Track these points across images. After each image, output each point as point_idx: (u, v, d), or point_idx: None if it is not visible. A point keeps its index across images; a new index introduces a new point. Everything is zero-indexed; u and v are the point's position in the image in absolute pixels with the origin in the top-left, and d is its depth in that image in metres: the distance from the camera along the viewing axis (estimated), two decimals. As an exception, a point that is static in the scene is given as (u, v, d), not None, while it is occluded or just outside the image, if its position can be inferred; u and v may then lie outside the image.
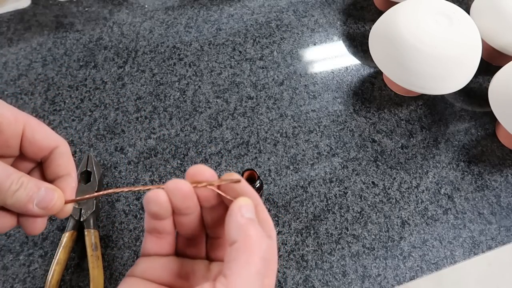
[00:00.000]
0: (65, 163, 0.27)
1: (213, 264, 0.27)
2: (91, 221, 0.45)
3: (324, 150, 0.54)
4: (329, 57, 0.64)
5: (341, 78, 0.61)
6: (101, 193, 0.26)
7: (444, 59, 0.51)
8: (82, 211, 0.45)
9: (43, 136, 0.26)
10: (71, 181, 0.27)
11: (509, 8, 0.57)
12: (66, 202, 0.26)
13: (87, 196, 0.27)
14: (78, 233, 0.45)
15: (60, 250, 0.43)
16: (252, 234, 0.22)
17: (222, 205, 0.26)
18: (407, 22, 0.53)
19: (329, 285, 0.45)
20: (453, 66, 0.52)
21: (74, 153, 0.52)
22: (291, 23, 0.67)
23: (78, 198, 0.27)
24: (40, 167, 0.28)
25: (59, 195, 0.25)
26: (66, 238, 0.44)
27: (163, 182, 0.50)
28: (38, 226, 0.26)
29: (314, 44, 0.65)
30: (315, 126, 0.56)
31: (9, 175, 0.23)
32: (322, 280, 0.45)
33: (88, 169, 0.47)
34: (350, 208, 0.50)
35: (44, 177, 0.27)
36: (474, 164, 0.54)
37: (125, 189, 0.26)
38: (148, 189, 0.25)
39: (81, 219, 0.44)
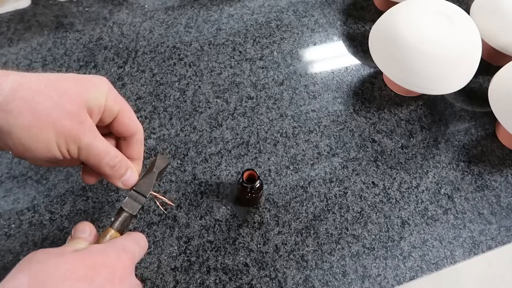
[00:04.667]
0: (139, 148, 0.36)
1: None
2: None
3: (324, 150, 0.54)
4: (329, 57, 0.64)
5: (341, 78, 0.61)
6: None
7: (444, 59, 0.51)
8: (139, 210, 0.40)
9: (131, 121, 0.34)
10: (139, 166, 0.37)
11: (509, 8, 0.57)
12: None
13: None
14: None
15: None
16: None
17: None
18: (407, 22, 0.53)
19: (329, 285, 0.45)
20: (453, 66, 0.52)
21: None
22: (291, 23, 0.67)
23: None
24: (118, 144, 0.37)
25: (136, 177, 0.36)
26: (113, 234, 0.37)
27: (163, 183, 0.50)
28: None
29: (314, 44, 0.65)
30: (315, 126, 0.56)
31: (108, 152, 0.32)
32: (322, 280, 0.45)
33: None
34: (350, 208, 0.50)
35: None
36: (474, 164, 0.54)
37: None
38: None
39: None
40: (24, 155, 0.30)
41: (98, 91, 0.32)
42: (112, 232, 0.34)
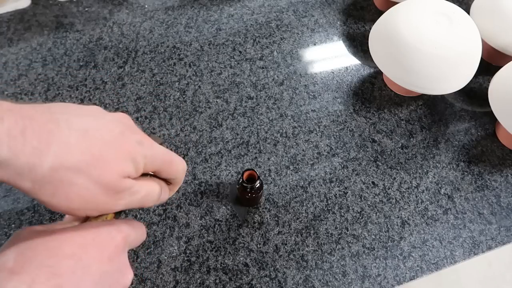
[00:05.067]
0: (175, 187, 0.37)
1: None
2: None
3: (324, 150, 0.54)
4: (329, 57, 0.64)
5: (341, 78, 0.61)
6: None
7: (444, 59, 0.51)
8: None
9: (169, 174, 0.35)
10: (172, 193, 0.38)
11: (509, 8, 0.57)
12: None
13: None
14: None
15: None
16: None
17: None
18: (407, 22, 0.53)
19: (329, 285, 0.45)
20: (453, 66, 0.52)
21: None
22: (291, 23, 0.67)
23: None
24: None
25: (166, 195, 0.36)
26: (109, 215, 0.40)
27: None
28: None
29: (314, 44, 0.65)
30: (315, 126, 0.56)
31: (140, 196, 0.32)
32: (322, 280, 0.45)
33: None
34: (350, 208, 0.50)
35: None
36: (474, 164, 0.54)
37: None
38: None
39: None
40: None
41: (138, 159, 0.31)
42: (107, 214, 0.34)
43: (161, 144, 0.38)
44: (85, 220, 0.32)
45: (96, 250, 0.27)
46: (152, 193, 0.33)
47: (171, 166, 0.35)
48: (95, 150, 0.29)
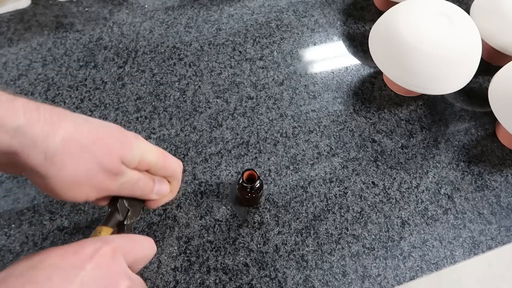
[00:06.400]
0: (174, 185, 0.41)
1: None
2: (132, 227, 0.41)
3: (324, 150, 0.54)
4: (329, 57, 0.64)
5: (341, 78, 0.61)
6: None
7: (444, 59, 0.51)
8: (129, 214, 0.39)
9: (165, 169, 0.38)
10: (173, 196, 0.42)
11: (509, 8, 0.57)
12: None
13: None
14: (117, 233, 0.40)
15: None
16: None
17: None
18: (407, 22, 0.53)
19: (329, 285, 0.45)
20: (453, 66, 0.52)
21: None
22: (291, 23, 0.67)
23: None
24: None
25: (166, 186, 0.39)
26: (103, 231, 0.38)
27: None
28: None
29: (314, 44, 0.65)
30: (315, 126, 0.56)
31: (139, 181, 0.36)
32: (322, 280, 0.45)
33: None
34: (350, 208, 0.50)
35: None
36: (474, 164, 0.54)
37: None
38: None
39: (125, 222, 0.39)
40: (50, 194, 0.31)
41: (136, 149, 0.35)
42: (104, 228, 0.34)
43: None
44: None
45: (76, 258, 0.27)
46: (145, 183, 0.36)
47: (165, 160, 0.38)
48: (99, 132, 0.32)
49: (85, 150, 0.30)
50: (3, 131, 0.26)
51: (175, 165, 0.39)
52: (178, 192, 0.50)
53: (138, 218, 0.41)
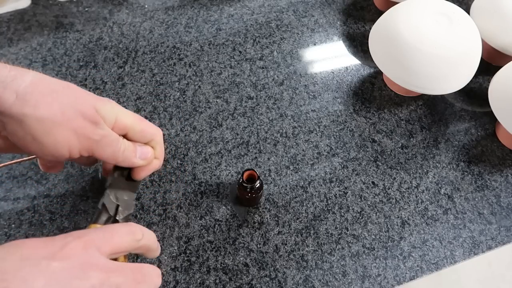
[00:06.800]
0: (158, 150, 0.39)
1: None
2: (128, 221, 0.39)
3: (324, 150, 0.54)
4: (329, 57, 0.64)
5: (341, 78, 0.61)
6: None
7: (444, 59, 0.51)
8: (120, 208, 0.38)
9: (144, 132, 0.37)
10: (160, 163, 0.40)
11: (509, 8, 0.57)
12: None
13: None
14: None
15: None
16: None
17: None
18: (407, 22, 0.53)
19: (329, 285, 0.45)
20: (453, 66, 0.52)
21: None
22: (291, 23, 0.67)
23: None
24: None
25: (149, 149, 0.38)
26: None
27: (163, 183, 0.50)
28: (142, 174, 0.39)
29: (314, 44, 0.65)
30: (315, 126, 0.56)
31: (119, 140, 0.35)
32: (322, 280, 0.45)
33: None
34: (350, 208, 0.50)
35: None
36: (474, 164, 0.54)
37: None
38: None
39: (117, 217, 0.38)
40: (31, 147, 0.31)
41: (110, 105, 0.35)
42: (93, 226, 0.34)
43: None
44: None
45: (46, 251, 0.27)
46: (126, 146, 0.36)
47: (142, 123, 0.37)
48: (69, 85, 0.33)
49: (57, 93, 0.31)
50: None
51: (153, 129, 0.39)
52: (177, 192, 0.50)
53: (132, 212, 0.40)
